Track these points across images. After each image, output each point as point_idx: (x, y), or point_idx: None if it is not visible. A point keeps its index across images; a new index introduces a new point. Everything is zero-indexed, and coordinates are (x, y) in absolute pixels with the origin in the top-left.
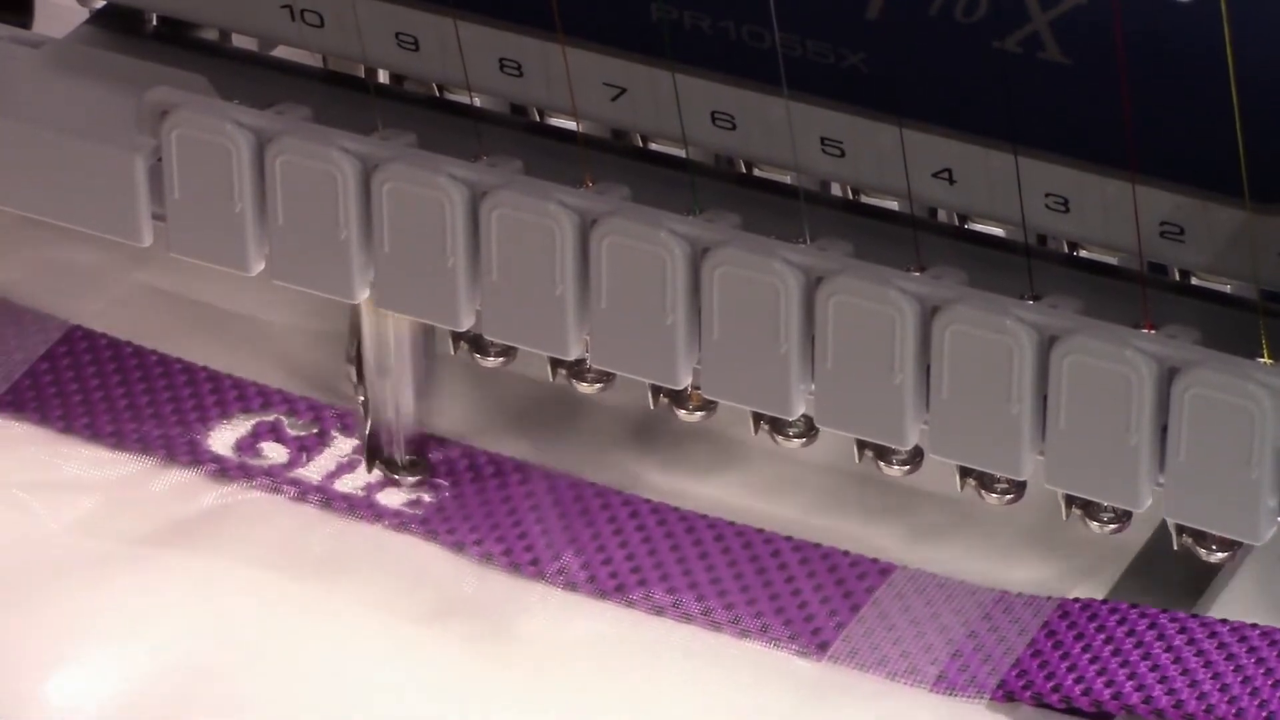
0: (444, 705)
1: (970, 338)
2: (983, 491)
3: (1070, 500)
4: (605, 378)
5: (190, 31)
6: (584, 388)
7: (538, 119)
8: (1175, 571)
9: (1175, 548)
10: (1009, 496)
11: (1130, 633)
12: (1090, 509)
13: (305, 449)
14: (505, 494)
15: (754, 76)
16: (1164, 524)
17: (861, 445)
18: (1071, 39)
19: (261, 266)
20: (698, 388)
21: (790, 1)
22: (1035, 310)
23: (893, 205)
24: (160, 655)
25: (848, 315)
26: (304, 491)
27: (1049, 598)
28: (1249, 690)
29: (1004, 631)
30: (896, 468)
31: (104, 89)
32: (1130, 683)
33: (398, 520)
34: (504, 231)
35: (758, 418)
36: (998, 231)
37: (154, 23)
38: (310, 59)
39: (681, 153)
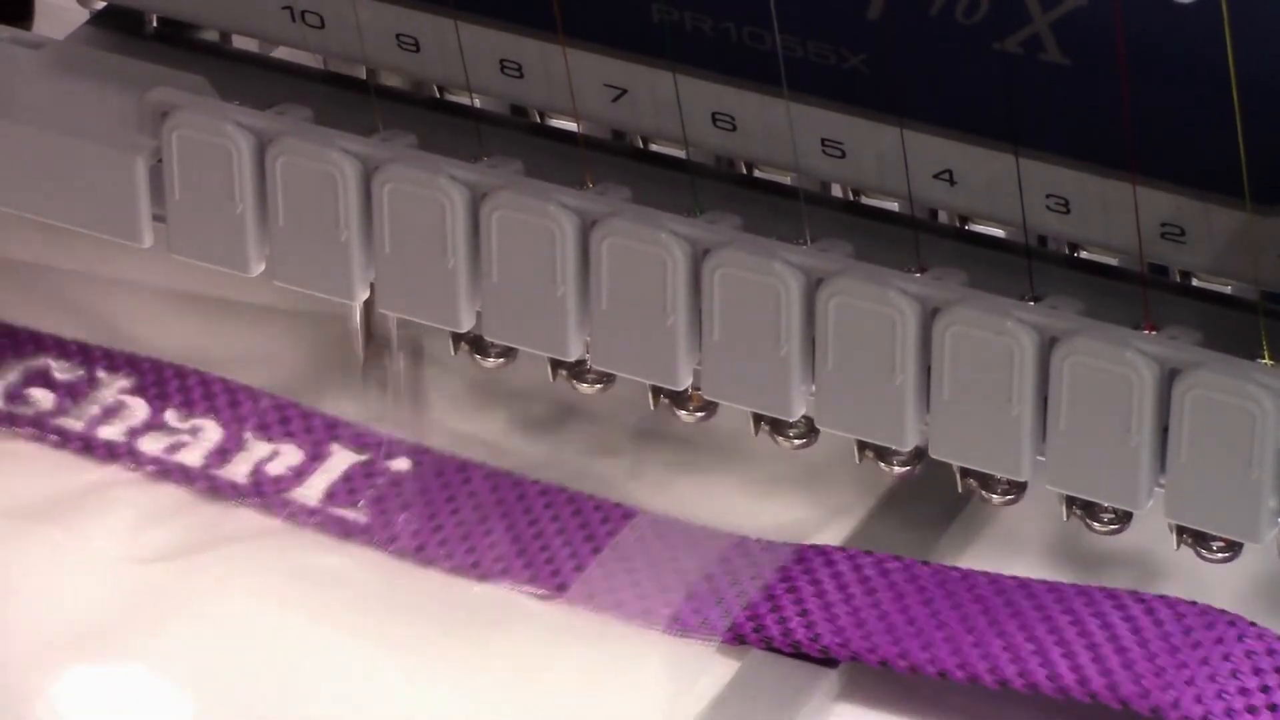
0: (176, 631)
1: (971, 339)
2: (984, 492)
3: (1070, 501)
4: (606, 379)
5: (191, 32)
6: (584, 388)
7: (538, 120)
8: (920, 514)
9: (1175, 548)
10: (1009, 497)
11: (863, 580)
12: (1091, 510)
13: (72, 394)
14: (264, 430)
15: (755, 78)
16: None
17: (862, 446)
18: (1072, 40)
19: (262, 267)
20: (698, 389)
21: (791, 3)
22: (1036, 311)
23: (893, 206)
24: None
25: (848, 316)
26: (66, 439)
27: (786, 544)
28: (972, 640)
29: (739, 575)
30: (897, 468)
31: (104, 90)
32: (858, 631)
33: (158, 467)
34: (504, 232)
35: (758, 419)
36: (998, 233)
37: (154, 24)
38: (311, 60)
39: (682, 154)
